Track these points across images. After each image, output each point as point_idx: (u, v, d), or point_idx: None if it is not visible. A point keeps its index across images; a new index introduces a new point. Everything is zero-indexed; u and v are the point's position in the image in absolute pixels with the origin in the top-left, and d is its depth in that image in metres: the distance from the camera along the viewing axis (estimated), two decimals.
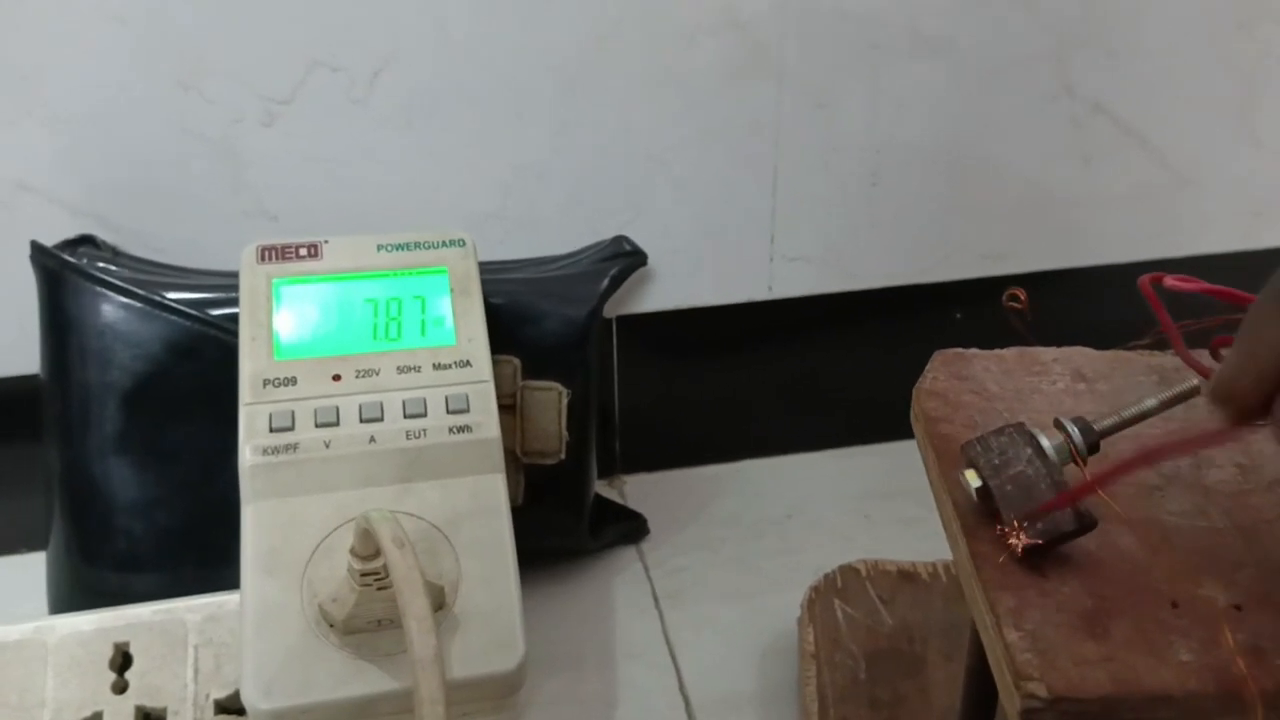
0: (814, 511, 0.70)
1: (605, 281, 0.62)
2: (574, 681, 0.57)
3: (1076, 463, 0.34)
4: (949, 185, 0.69)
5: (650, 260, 0.66)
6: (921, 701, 0.51)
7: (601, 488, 0.70)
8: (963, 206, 0.70)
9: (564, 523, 0.62)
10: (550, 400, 0.58)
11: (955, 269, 0.71)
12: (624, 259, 0.64)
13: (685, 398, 0.72)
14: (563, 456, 0.58)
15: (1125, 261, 0.72)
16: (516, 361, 0.57)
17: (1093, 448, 0.34)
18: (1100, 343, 0.45)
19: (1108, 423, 0.34)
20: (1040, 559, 0.34)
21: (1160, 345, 0.39)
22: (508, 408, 0.56)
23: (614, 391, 0.70)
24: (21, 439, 0.60)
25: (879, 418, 0.67)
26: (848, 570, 0.59)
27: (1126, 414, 0.34)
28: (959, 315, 0.72)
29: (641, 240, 0.66)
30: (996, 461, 0.35)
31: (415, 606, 0.36)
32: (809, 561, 0.61)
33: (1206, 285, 0.35)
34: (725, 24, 0.62)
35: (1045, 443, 0.34)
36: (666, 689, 0.57)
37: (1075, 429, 0.34)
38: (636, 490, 0.72)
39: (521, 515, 0.50)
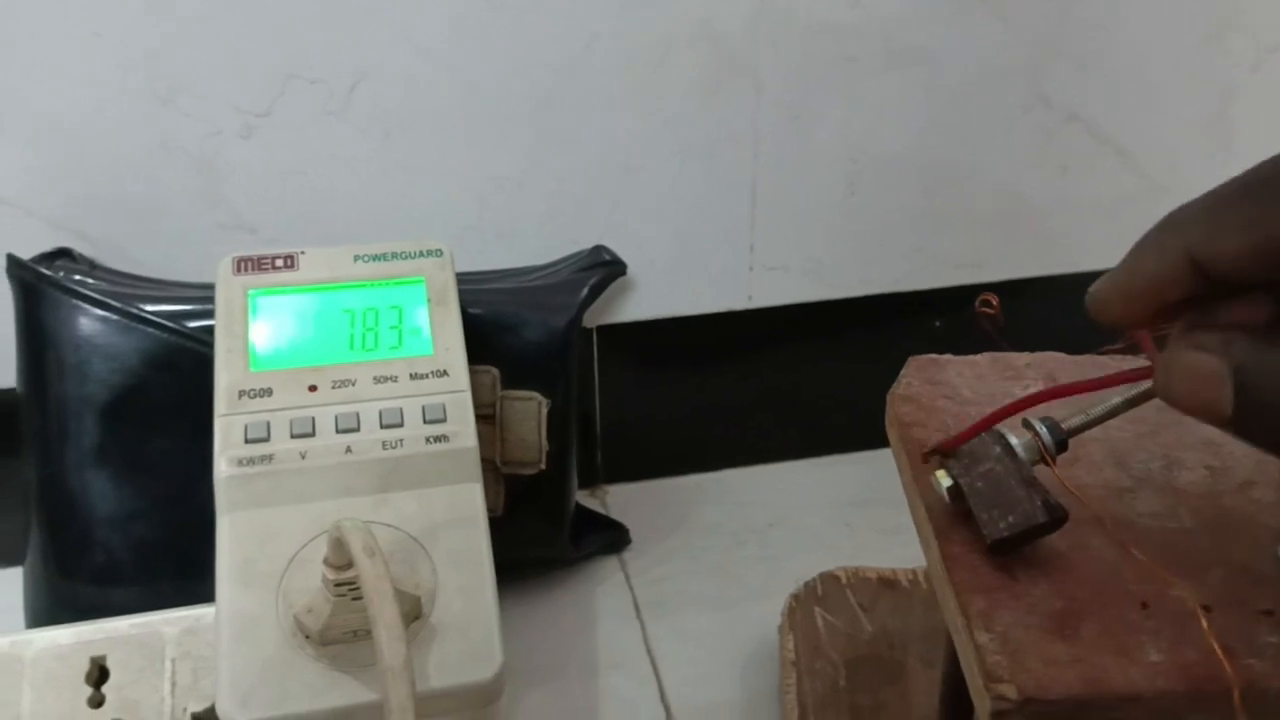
0: (795, 520, 0.70)
1: (585, 291, 0.62)
2: (555, 692, 0.57)
3: (1045, 461, 0.34)
4: (926, 194, 0.69)
5: (630, 270, 0.66)
6: (902, 708, 0.51)
7: (583, 497, 0.70)
8: (940, 215, 0.70)
9: (545, 533, 0.62)
10: (530, 410, 0.58)
11: (933, 277, 0.72)
12: (603, 268, 0.65)
13: (666, 407, 0.72)
14: (543, 466, 0.58)
15: (1100, 269, 0.72)
16: (495, 371, 0.57)
17: (1061, 446, 0.34)
18: (1075, 349, 0.45)
19: (1075, 421, 0.34)
20: (1010, 554, 0.34)
21: (1133, 349, 0.39)
22: (487, 418, 0.56)
23: (595, 401, 0.70)
24: None
25: (859, 426, 0.66)
26: (828, 578, 0.59)
27: (1093, 413, 0.34)
28: (938, 323, 0.73)
29: (621, 250, 0.66)
30: (966, 461, 0.35)
31: (385, 615, 0.36)
32: (790, 570, 0.61)
33: None
34: (702, 36, 0.62)
35: (1014, 441, 0.34)
36: (648, 698, 0.57)
37: (1043, 427, 0.34)
38: (618, 500, 0.72)
39: (502, 525, 0.50)
